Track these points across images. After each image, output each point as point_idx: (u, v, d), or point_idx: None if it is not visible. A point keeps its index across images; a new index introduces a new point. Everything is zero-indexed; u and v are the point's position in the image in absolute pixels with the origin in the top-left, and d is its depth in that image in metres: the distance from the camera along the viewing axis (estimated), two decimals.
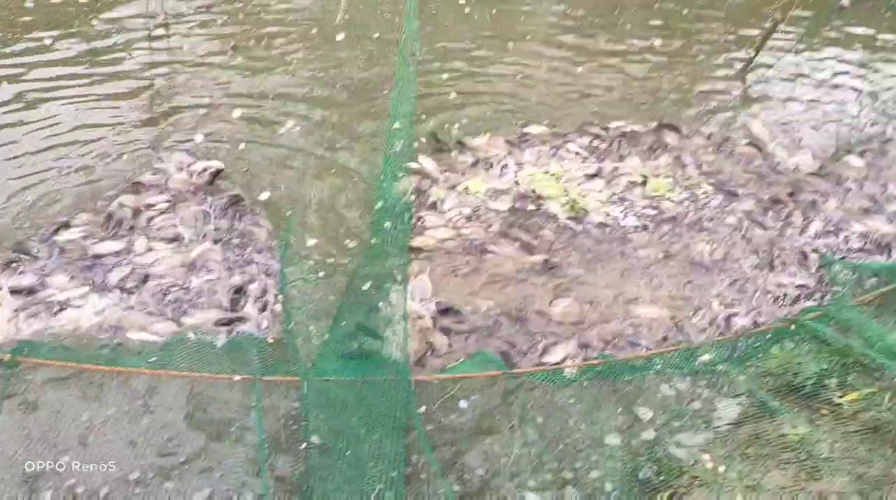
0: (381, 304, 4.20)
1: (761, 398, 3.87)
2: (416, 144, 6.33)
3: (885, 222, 5.80)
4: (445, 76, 7.60)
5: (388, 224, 4.87)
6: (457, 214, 5.57)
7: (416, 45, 7.02)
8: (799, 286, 5.19)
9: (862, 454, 3.27)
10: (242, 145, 6.14)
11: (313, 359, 3.79)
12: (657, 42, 8.78)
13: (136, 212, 5.45)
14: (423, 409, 3.58)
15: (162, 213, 5.48)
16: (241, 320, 4.51)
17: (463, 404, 3.70)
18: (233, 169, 5.90)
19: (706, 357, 4.13)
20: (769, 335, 4.06)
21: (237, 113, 6.59)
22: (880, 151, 6.92)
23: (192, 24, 8.41)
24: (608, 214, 5.62)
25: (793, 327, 4.00)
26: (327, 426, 3.31)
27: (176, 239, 5.25)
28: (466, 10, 8.80)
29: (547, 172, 6.12)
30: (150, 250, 5.13)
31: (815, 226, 5.79)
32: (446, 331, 4.52)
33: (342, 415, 3.38)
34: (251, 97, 6.98)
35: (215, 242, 5.20)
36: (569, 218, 5.55)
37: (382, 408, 3.41)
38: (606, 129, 6.94)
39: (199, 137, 6.22)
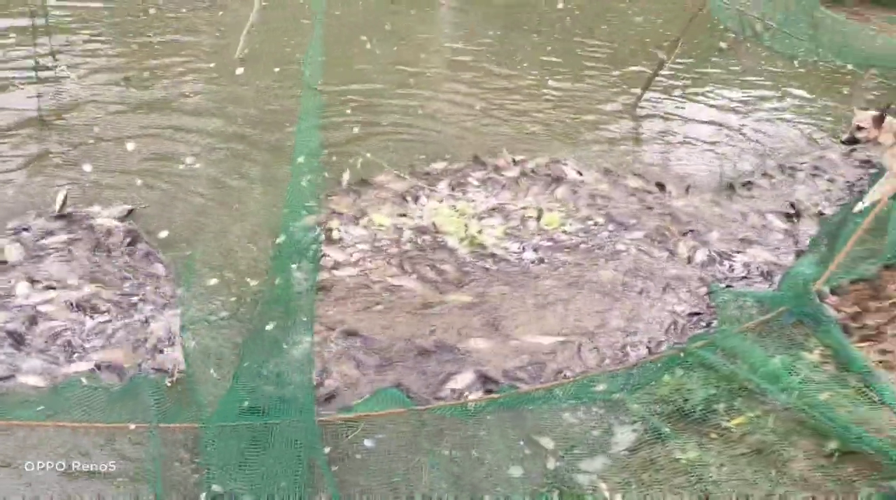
0: (285, 344, 4.16)
1: (654, 425, 4.04)
2: (320, 179, 6.33)
3: (764, 251, 6.18)
4: (349, 111, 7.66)
5: (294, 264, 4.84)
6: (359, 250, 5.60)
7: (318, 80, 7.04)
8: (690, 314, 5.48)
9: (748, 475, 3.47)
10: (139, 181, 5.98)
11: (215, 404, 3.72)
12: (551, 81, 9.13)
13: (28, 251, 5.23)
14: (328, 450, 3.57)
15: (57, 251, 5.28)
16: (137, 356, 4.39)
17: (368, 442, 3.70)
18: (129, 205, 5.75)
19: (602, 387, 4.28)
20: (660, 364, 4.25)
21: (130, 146, 6.42)
22: (758, 184, 7.40)
23: (83, 55, 8.17)
24: (506, 249, 5.77)
25: (682, 355, 4.20)
26: (229, 473, 3.25)
27: (65, 280, 5.05)
28: (368, 45, 8.91)
29: (453, 207, 6.24)
30: (34, 292, 4.91)
31: (700, 256, 6.12)
32: (356, 362, 4.55)
33: (245, 461, 3.33)
34: (146, 131, 6.83)
35: (110, 282, 5.04)
36: (469, 253, 5.66)
37: (286, 452, 3.38)
38: (507, 163, 7.15)
39: (87, 167, 6.01)
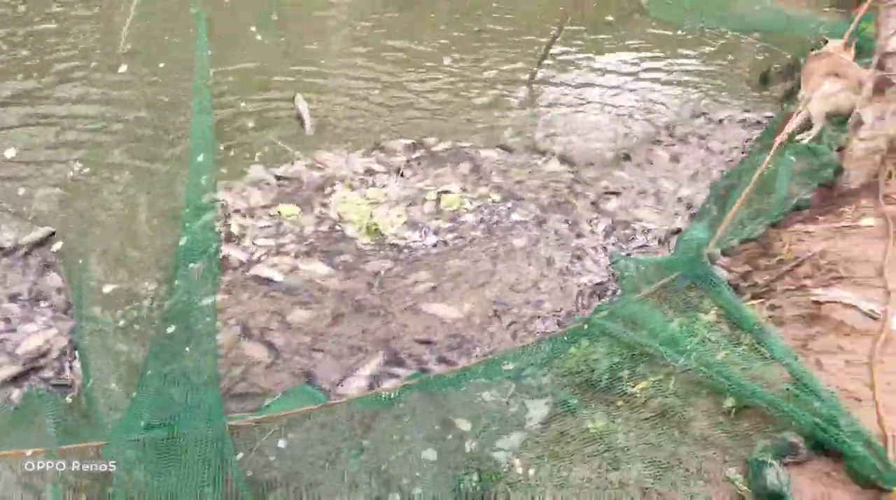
0: (187, 348, 4.05)
1: (563, 398, 4.14)
2: (216, 175, 6.17)
3: (661, 217, 6.39)
4: (243, 104, 7.46)
5: (192, 264, 4.71)
6: (261, 246, 5.49)
7: (208, 73, 6.85)
8: (596, 284, 5.64)
9: (653, 438, 3.60)
10: (21, 190, 5.68)
11: (118, 418, 3.59)
12: (447, 60, 9.12)
13: None
14: (240, 455, 3.51)
15: None
16: (35, 371, 4.22)
17: (282, 443, 3.66)
18: (16, 216, 5.46)
19: (511, 365, 4.35)
20: (566, 337, 4.35)
21: (10, 153, 6.07)
22: (649, 153, 7.61)
23: None
24: (405, 237, 5.76)
25: (586, 326, 4.31)
26: (138, 489, 3.15)
27: None
28: (258, 36, 8.67)
29: (363, 195, 6.18)
30: None
31: (602, 225, 6.28)
32: (267, 344, 4.51)
33: (155, 475, 3.23)
34: (26, 133, 6.48)
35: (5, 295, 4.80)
36: (369, 242, 5.64)
37: (197, 461, 3.30)
38: (410, 147, 7.13)
39: None
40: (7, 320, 4.64)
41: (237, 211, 5.92)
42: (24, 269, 5.12)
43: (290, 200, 6.15)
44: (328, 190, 6.33)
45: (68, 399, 4.03)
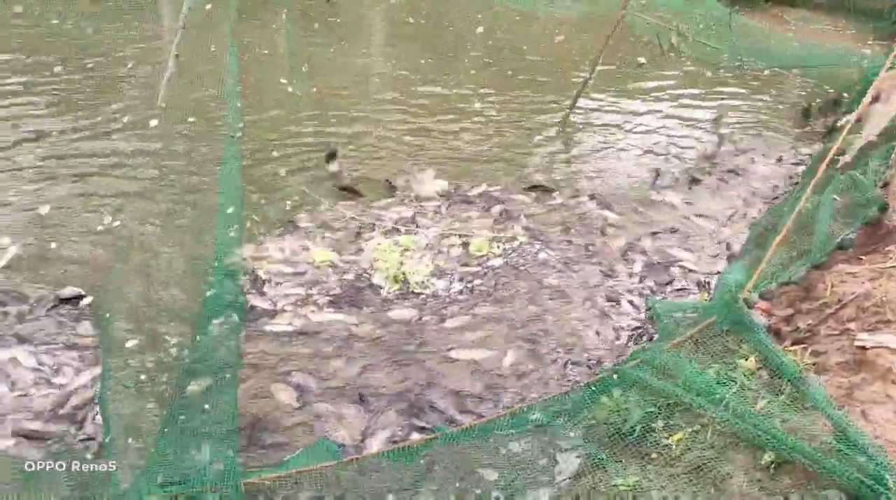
0: (207, 405, 3.99)
1: (593, 451, 3.95)
2: (248, 225, 6.20)
3: (698, 259, 6.20)
4: (275, 153, 7.53)
5: (215, 320, 4.66)
6: (288, 295, 5.44)
7: (238, 125, 6.93)
8: (633, 329, 5.46)
9: (687, 497, 3.39)
10: (53, 244, 5.75)
11: (134, 477, 3.52)
12: (478, 104, 9.12)
13: None
14: None
15: None
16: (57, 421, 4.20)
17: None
18: (49, 270, 5.52)
19: (538, 415, 4.18)
20: (595, 386, 4.17)
21: (44, 210, 6.18)
22: (687, 193, 7.44)
23: None
24: (432, 284, 5.66)
25: (615, 376, 4.13)
26: None
27: None
28: (289, 88, 8.79)
29: (395, 242, 6.12)
30: None
31: (638, 267, 6.11)
32: (295, 389, 4.45)
33: None
34: (60, 187, 6.60)
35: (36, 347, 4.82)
36: (393, 290, 5.55)
37: None
38: (441, 192, 7.08)
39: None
40: (37, 370, 4.65)
41: (265, 258, 5.91)
42: (57, 321, 5.15)
43: (324, 246, 6.12)
44: (365, 236, 6.30)
45: (89, 455, 3.97)
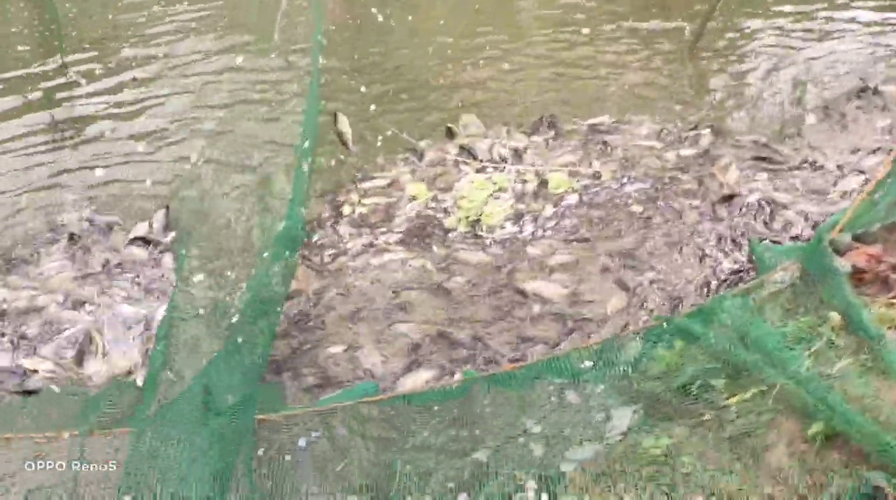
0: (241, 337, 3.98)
1: (644, 406, 3.57)
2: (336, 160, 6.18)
3: (818, 203, 5.42)
4: (363, 89, 7.37)
5: (267, 254, 4.64)
6: (355, 242, 5.31)
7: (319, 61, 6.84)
8: (732, 272, 4.90)
9: (724, 464, 2.95)
10: (148, 182, 5.98)
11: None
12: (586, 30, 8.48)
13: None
14: (261, 451, 3.34)
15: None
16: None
17: (302, 442, 3.44)
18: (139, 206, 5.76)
19: (588, 363, 3.82)
20: (649, 335, 3.73)
21: (140, 146, 6.43)
22: (824, 125, 6.52)
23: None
24: (504, 227, 5.33)
25: (665, 325, 3.66)
26: (145, 482, 3.08)
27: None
28: (379, 17, 8.56)
29: (490, 180, 5.86)
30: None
31: (749, 208, 5.46)
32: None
33: (166, 469, 3.15)
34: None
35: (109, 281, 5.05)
36: (463, 233, 5.29)
37: (214, 456, 3.18)
38: (541, 124, 6.68)
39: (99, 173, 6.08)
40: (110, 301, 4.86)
41: (355, 193, 5.85)
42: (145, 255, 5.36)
43: (420, 180, 5.98)
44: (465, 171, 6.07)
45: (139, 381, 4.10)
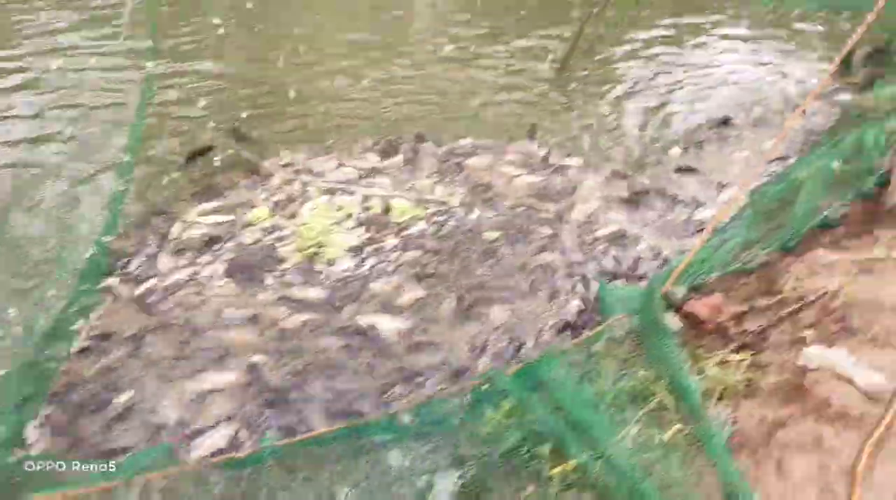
0: None
1: (470, 473, 3.22)
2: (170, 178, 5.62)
3: (665, 237, 5.27)
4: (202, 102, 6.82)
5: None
6: (177, 274, 4.75)
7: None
8: (581, 312, 4.65)
9: None
10: None
11: None
12: (449, 48, 8.20)
13: None
14: None
15: None
16: None
17: None
18: None
19: (414, 421, 3.45)
20: (471, 392, 3.39)
21: None
22: (684, 156, 6.44)
23: None
24: (343, 261, 4.90)
25: (485, 387, 3.33)
26: None
27: None
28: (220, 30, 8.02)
29: (336, 206, 5.40)
30: None
31: (599, 241, 5.25)
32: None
33: None
34: None
35: None
36: (300, 266, 4.83)
37: None
38: (388, 147, 6.30)
39: None
40: None
41: (184, 219, 5.29)
42: None
43: (263, 203, 5.48)
44: (312, 194, 5.60)
45: None
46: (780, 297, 3.65)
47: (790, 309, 3.52)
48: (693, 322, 3.75)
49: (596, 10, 7.26)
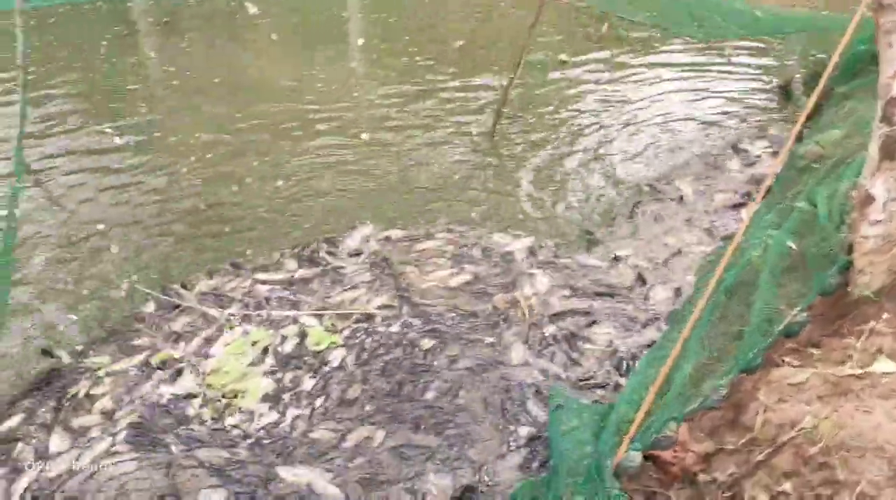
0: None
1: None
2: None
3: (618, 331, 4.80)
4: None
5: None
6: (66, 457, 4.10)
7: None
8: (532, 438, 4.14)
9: None
10: None
11: None
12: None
13: None
14: None
15: None
16: None
17: None
18: None
19: None
20: None
21: None
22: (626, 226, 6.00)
23: None
24: (260, 413, 4.32)
25: None
26: None
27: None
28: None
29: (249, 339, 4.83)
30: None
31: (547, 344, 4.76)
32: None
33: None
34: None
35: None
36: (208, 426, 4.23)
37: None
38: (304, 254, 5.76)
39: None
40: None
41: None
42: None
43: (168, 343, 4.90)
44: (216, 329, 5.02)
45: None
46: (749, 436, 3.16)
47: (764, 453, 3.03)
48: (656, 463, 3.28)
49: (514, 76, 6.82)
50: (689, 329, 3.30)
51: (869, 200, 3.59)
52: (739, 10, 6.43)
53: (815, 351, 3.46)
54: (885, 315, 3.50)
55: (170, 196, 6.52)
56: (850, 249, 3.73)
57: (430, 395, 4.36)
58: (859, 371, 3.18)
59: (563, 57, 7.87)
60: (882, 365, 3.15)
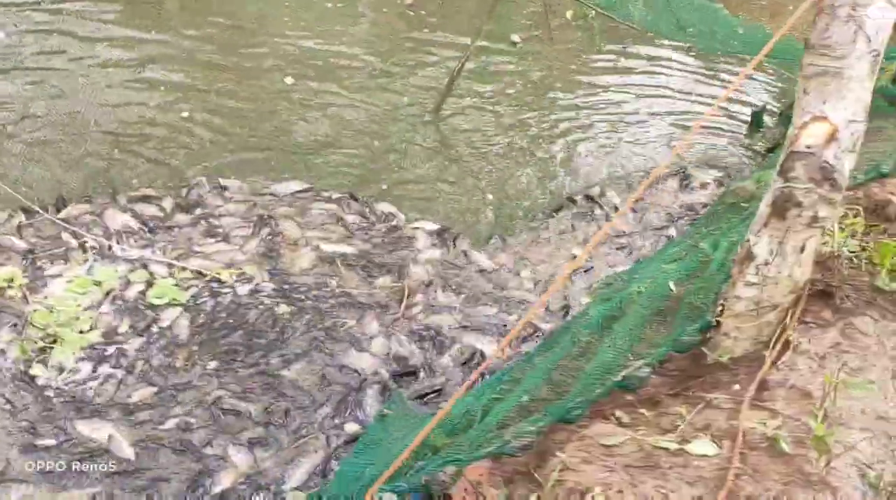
0: None
1: None
2: None
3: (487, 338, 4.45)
4: None
5: None
6: None
7: None
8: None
9: None
10: None
11: None
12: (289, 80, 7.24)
13: None
14: None
15: None
16: None
17: None
18: None
19: None
20: None
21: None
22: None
23: None
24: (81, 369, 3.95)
25: None
26: None
27: None
28: None
29: (95, 279, 4.45)
30: None
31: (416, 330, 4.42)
32: None
33: None
34: None
35: None
36: (22, 371, 3.86)
37: None
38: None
39: None
40: None
41: None
42: None
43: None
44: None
45: None
46: (537, 494, 2.80)
47: None
48: None
49: (463, 60, 6.36)
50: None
51: (750, 257, 3.21)
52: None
53: (645, 412, 3.09)
54: (735, 387, 3.14)
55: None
56: (722, 308, 3.35)
57: (263, 368, 4.00)
58: (675, 447, 2.81)
59: (514, 38, 7.38)
60: (701, 446, 2.78)
